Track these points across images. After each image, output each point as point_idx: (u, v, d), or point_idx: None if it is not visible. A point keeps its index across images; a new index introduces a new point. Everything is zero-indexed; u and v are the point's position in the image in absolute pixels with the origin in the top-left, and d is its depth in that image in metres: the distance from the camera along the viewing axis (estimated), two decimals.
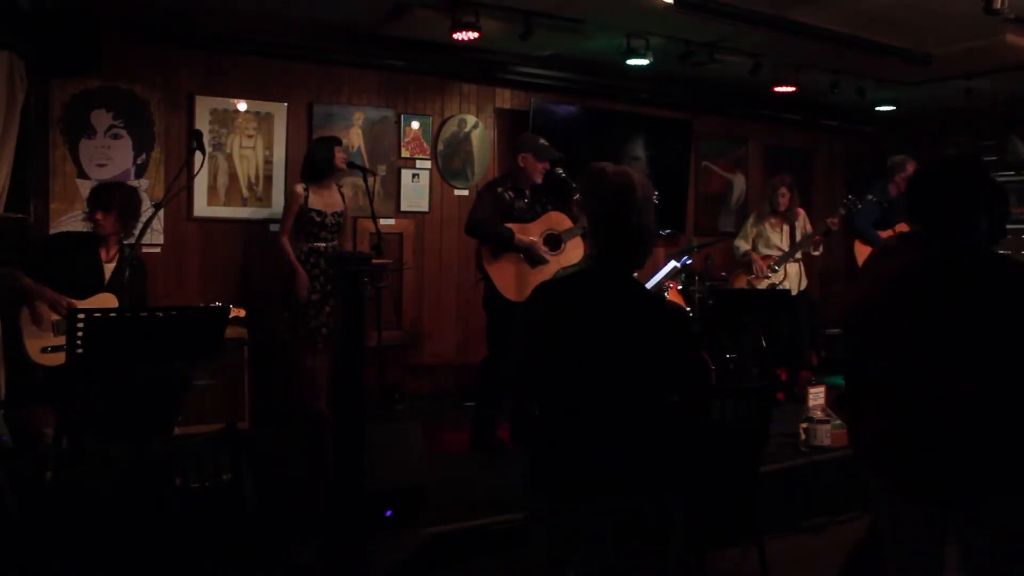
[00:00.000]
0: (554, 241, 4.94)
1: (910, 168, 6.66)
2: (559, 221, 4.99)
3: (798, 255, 6.49)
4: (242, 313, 4.28)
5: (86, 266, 4.23)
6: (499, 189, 4.92)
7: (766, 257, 6.40)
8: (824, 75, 6.78)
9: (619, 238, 2.41)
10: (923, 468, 2.31)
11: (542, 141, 4.93)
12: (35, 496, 3.65)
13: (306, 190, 5.11)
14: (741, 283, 6.46)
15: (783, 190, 6.37)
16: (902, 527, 2.44)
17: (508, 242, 4.79)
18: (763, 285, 6.33)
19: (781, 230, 6.45)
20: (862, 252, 6.62)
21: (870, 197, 6.57)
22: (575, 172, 4.57)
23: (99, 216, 4.23)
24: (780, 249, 6.41)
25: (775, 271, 6.35)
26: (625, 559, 2.34)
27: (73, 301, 4.00)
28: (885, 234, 6.59)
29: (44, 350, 4.05)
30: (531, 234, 4.88)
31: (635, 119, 7.47)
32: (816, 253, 6.64)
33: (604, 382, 2.35)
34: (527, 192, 4.95)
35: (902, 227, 6.56)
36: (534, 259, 4.85)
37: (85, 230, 4.42)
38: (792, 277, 6.42)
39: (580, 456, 2.35)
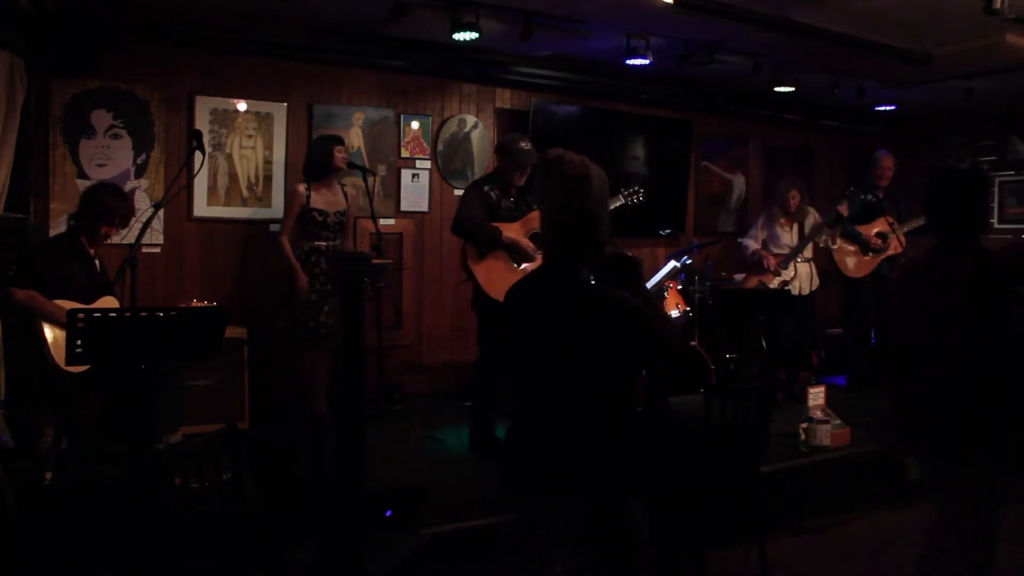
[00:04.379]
0: (538, 240, 4.94)
1: (884, 161, 6.72)
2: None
3: (809, 254, 6.49)
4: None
5: (85, 270, 4.22)
6: (485, 188, 4.91)
7: (776, 256, 6.41)
8: (824, 75, 6.78)
9: (570, 230, 2.35)
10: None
11: (522, 144, 4.87)
12: (35, 496, 3.65)
13: (308, 189, 5.10)
14: (753, 283, 6.46)
15: (794, 192, 6.40)
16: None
17: (495, 240, 4.78)
18: (774, 284, 6.33)
19: (791, 228, 6.47)
20: (840, 245, 6.74)
21: (869, 197, 6.56)
22: None
23: (105, 231, 4.24)
24: (790, 248, 6.42)
25: (784, 268, 6.35)
26: (588, 561, 2.30)
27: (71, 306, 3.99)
28: (864, 228, 6.65)
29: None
30: (515, 233, 4.88)
31: (635, 119, 7.47)
32: (835, 246, 6.67)
33: (549, 381, 2.34)
34: (513, 192, 4.95)
35: (881, 223, 6.58)
36: (521, 256, 4.85)
37: (67, 231, 4.39)
38: (803, 277, 6.43)
39: (531, 456, 2.37)
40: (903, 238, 6.48)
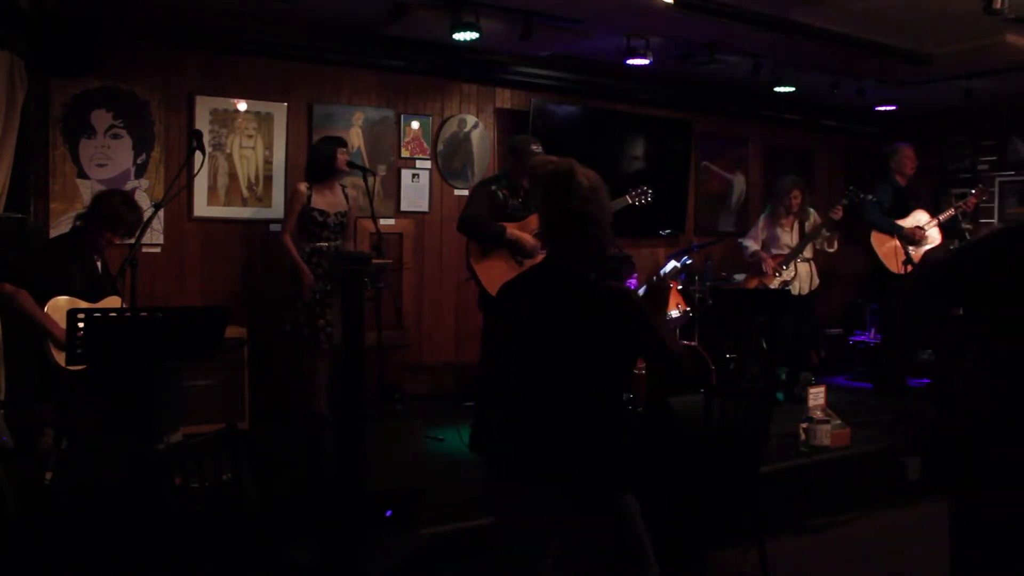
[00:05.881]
0: (541, 239, 4.95)
1: (905, 151, 6.64)
2: None
3: (809, 254, 6.48)
4: None
5: (85, 271, 4.21)
6: (492, 187, 4.93)
7: (776, 256, 6.40)
8: (824, 75, 6.78)
9: (559, 229, 2.37)
10: None
11: (533, 147, 4.87)
12: (35, 496, 3.65)
13: (309, 189, 5.11)
14: (753, 284, 6.45)
15: (795, 192, 6.38)
16: None
17: (499, 237, 4.78)
18: (775, 284, 6.32)
19: (791, 229, 6.47)
20: (880, 242, 6.51)
21: (870, 197, 6.52)
22: None
23: (109, 236, 4.24)
24: (790, 248, 6.41)
25: (784, 269, 6.34)
26: (579, 552, 2.32)
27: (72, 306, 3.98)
28: (903, 222, 6.52)
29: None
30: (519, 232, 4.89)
31: (635, 119, 7.47)
32: (831, 250, 6.59)
33: (542, 373, 2.36)
34: (521, 193, 4.95)
35: (920, 213, 6.53)
36: (523, 253, 4.84)
37: (70, 231, 4.38)
38: (803, 276, 6.42)
39: (522, 448, 2.38)
40: (940, 231, 6.36)
